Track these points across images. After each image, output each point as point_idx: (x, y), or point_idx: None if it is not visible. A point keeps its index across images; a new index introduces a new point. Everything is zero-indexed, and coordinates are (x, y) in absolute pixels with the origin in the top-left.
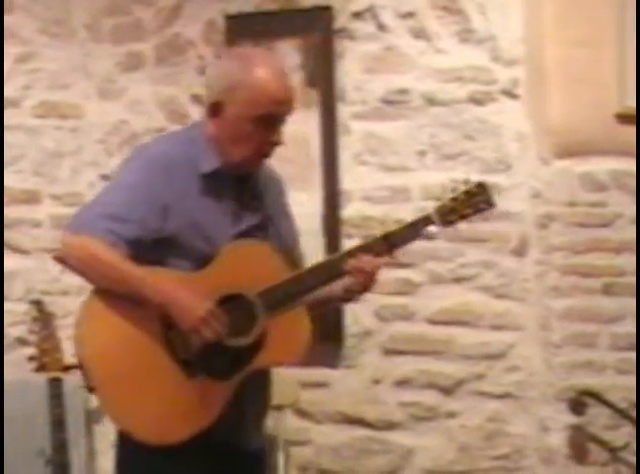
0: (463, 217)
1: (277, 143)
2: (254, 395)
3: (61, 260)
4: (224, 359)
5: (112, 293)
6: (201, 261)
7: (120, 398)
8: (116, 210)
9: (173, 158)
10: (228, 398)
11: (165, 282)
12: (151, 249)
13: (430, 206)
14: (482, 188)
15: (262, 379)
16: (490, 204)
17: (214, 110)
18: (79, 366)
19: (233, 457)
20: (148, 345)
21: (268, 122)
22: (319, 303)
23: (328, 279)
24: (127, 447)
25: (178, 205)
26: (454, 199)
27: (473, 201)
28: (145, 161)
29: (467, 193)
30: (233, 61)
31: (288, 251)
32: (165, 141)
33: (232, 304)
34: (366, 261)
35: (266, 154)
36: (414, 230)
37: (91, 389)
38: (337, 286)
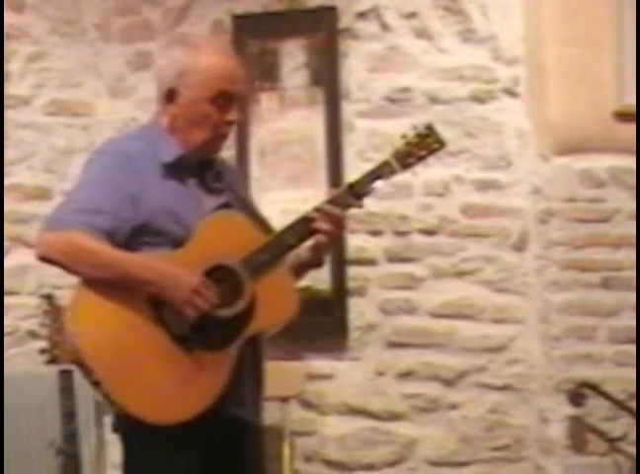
0: (420, 158)
1: (232, 122)
2: (251, 368)
3: (45, 259)
4: (219, 330)
5: (98, 285)
6: (177, 244)
7: (126, 385)
8: (86, 205)
9: (130, 152)
10: (231, 367)
11: (150, 261)
12: (128, 240)
13: (432, 204)
14: (431, 129)
15: (256, 353)
16: (441, 144)
17: (168, 97)
18: (79, 362)
19: (235, 431)
20: (142, 328)
21: (221, 102)
22: (295, 271)
23: (303, 235)
24: (129, 432)
25: (145, 194)
26: (408, 144)
27: (425, 143)
28: (105, 158)
29: (418, 135)
30: (180, 50)
31: (259, 219)
32: (121, 140)
33: (216, 275)
34: (329, 209)
35: (224, 134)
36: (375, 176)
37: (95, 383)
38: (305, 252)
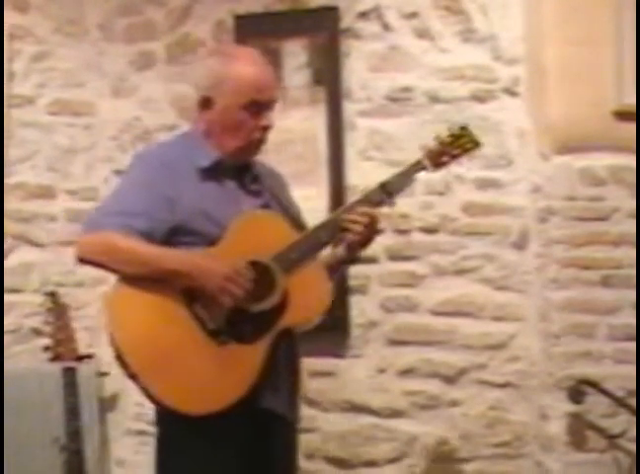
0: (454, 157)
1: (266, 128)
2: (287, 365)
3: (84, 260)
4: (251, 324)
5: (134, 282)
6: (213, 244)
7: (162, 378)
8: (123, 207)
9: (167, 158)
10: (263, 360)
11: (184, 254)
12: (165, 240)
13: (433, 202)
14: (465, 129)
15: (292, 352)
16: (476, 144)
17: (204, 104)
18: (116, 357)
19: (272, 425)
20: (177, 322)
21: (254, 109)
22: (330, 269)
23: (335, 233)
24: (169, 426)
25: (181, 197)
26: (441, 143)
27: (459, 143)
28: (143, 163)
29: (452, 136)
30: (215, 59)
31: (297, 221)
32: (159, 146)
33: (250, 271)
34: (362, 211)
35: (259, 139)
36: (407, 176)
37: (132, 376)
38: (340, 249)
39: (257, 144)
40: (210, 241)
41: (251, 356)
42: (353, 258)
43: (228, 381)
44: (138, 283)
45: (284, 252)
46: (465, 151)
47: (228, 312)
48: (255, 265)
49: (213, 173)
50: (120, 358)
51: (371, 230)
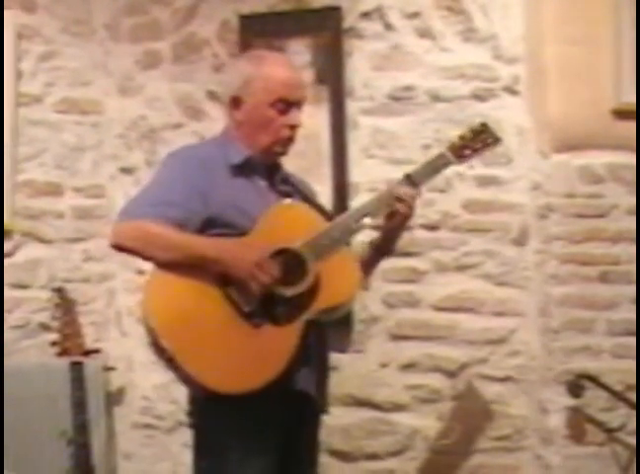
0: (475, 151)
1: (295, 126)
2: (317, 355)
3: (119, 247)
4: (284, 308)
5: (169, 268)
6: (244, 235)
7: (199, 360)
8: (159, 198)
9: (200, 155)
10: (297, 341)
11: (217, 241)
12: (199, 231)
13: (434, 199)
14: (485, 126)
15: (322, 343)
16: (496, 139)
17: (234, 104)
18: (152, 341)
19: (305, 410)
20: (213, 305)
21: (281, 107)
22: (368, 262)
23: (362, 222)
24: (210, 407)
25: (215, 193)
26: (462, 138)
27: (480, 138)
28: (177, 160)
29: (473, 131)
30: (244, 61)
31: (326, 214)
32: (191, 147)
33: (282, 258)
34: (404, 192)
35: (288, 137)
36: (431, 168)
37: (169, 359)
38: (375, 241)
39: (285, 142)
40: (242, 233)
41: (286, 337)
42: (389, 248)
43: (264, 361)
44: (173, 270)
45: (315, 239)
46: (487, 146)
47: (262, 296)
48: (286, 251)
49: (244, 170)
50: (155, 344)
51: (400, 218)
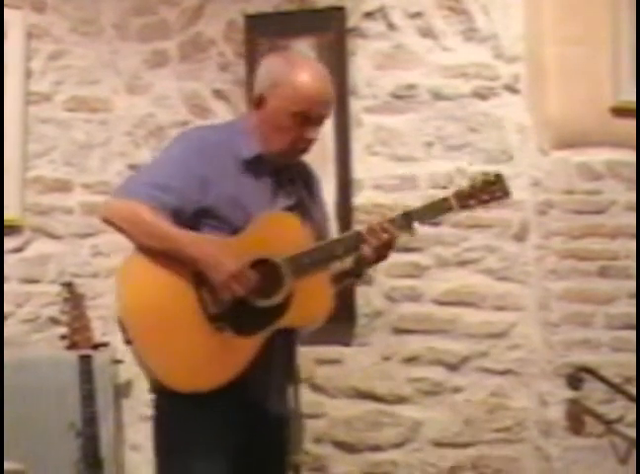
0: (481, 202)
1: (311, 140)
2: (280, 361)
3: (107, 221)
4: (251, 318)
5: (150, 254)
6: (236, 232)
7: (153, 349)
8: (157, 180)
9: (209, 140)
10: (253, 354)
11: (201, 240)
12: (192, 219)
13: (436, 196)
14: (499, 178)
15: (288, 348)
16: (505, 193)
17: (258, 102)
18: (118, 320)
19: (259, 419)
20: (182, 300)
21: (304, 119)
22: (335, 278)
23: (351, 248)
24: (164, 399)
25: (217, 182)
26: (472, 187)
27: (490, 189)
28: (184, 142)
29: (485, 182)
30: (279, 61)
31: (318, 231)
32: (204, 129)
33: (261, 268)
34: (385, 227)
35: (302, 149)
36: (432, 211)
37: (128, 342)
38: (349, 262)
39: (298, 153)
40: (235, 229)
41: (243, 348)
42: (359, 273)
43: (219, 365)
44: (154, 257)
45: (299, 256)
46: (494, 199)
47: (232, 301)
48: (267, 262)
49: (252, 166)
50: (121, 322)
51: (387, 248)
